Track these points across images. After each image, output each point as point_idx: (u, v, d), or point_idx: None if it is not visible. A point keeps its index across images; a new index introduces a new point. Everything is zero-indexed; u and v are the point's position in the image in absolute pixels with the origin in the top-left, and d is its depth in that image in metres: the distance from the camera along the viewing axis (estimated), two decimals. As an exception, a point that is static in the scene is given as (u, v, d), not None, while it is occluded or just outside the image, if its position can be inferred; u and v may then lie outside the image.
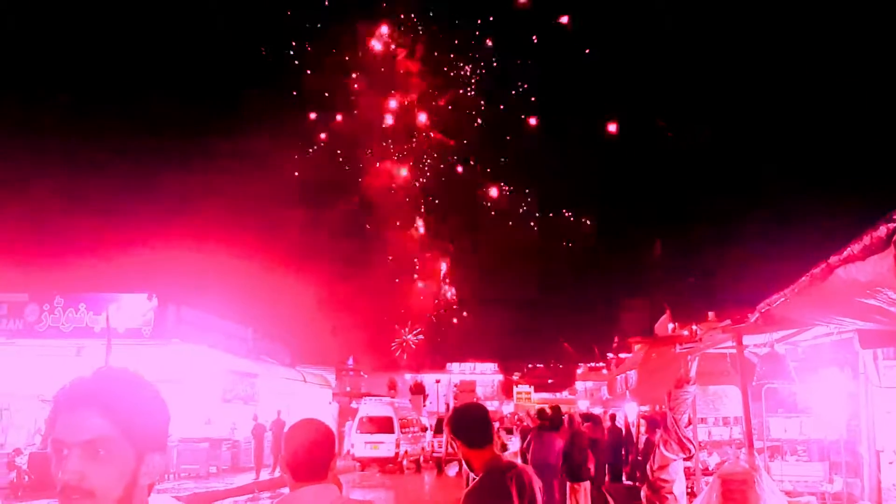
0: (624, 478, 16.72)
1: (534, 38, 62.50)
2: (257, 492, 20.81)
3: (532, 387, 70.12)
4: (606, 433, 16.80)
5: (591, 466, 12.93)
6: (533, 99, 64.69)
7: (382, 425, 27.36)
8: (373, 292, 61.48)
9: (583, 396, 59.73)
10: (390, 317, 65.93)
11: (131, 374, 1.59)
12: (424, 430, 32.56)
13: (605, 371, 52.27)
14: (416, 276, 65.98)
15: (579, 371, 68.16)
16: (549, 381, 72.23)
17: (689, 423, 8.45)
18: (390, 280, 63.93)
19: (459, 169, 63.83)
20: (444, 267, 70.05)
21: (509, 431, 34.75)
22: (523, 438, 14.94)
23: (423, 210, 64.23)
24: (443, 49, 61.69)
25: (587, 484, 12.20)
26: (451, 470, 26.23)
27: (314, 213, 57.17)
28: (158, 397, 1.60)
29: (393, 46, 59.38)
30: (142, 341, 21.78)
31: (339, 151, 60.35)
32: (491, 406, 63.57)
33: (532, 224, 72.89)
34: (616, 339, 47.65)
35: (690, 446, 7.95)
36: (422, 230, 64.33)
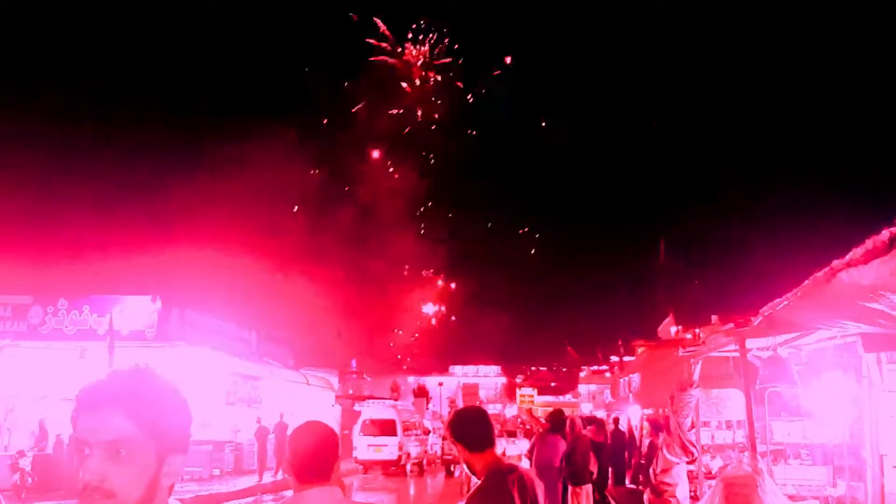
0: (627, 481, 16.69)
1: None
2: (260, 494, 20.84)
3: (535, 390, 69.99)
4: (610, 436, 16.78)
5: (594, 470, 12.92)
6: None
7: (385, 428, 27.38)
8: (376, 295, 61.48)
9: (586, 399, 59.63)
10: (392, 320, 65.93)
11: (155, 374, 1.58)
12: (427, 432, 32.56)
13: (608, 374, 52.19)
14: (418, 273, 65.99)
15: (582, 374, 68.07)
16: (553, 384, 72.14)
17: (692, 426, 8.46)
18: (393, 283, 63.92)
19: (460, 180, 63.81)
20: (444, 281, 70.15)
21: (512, 435, 34.68)
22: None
23: (423, 211, 64.26)
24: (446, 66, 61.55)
25: (589, 487, 12.17)
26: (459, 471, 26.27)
27: (318, 217, 57.22)
28: (181, 398, 1.60)
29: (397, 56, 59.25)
30: (145, 343, 21.81)
31: (341, 156, 60.35)
32: (494, 409, 63.61)
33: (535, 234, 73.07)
34: (620, 342, 47.58)
35: (693, 450, 7.96)
36: (423, 232, 64.35)
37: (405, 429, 28.22)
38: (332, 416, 31.06)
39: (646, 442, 14.89)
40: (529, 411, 27.88)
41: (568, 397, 64.25)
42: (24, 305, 22.85)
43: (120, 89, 55.05)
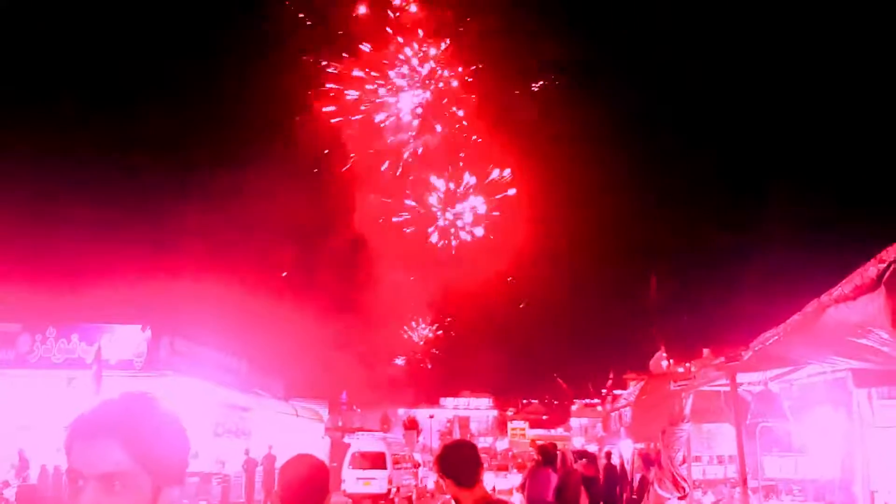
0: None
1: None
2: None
3: (527, 423, 69.61)
4: (602, 471, 16.64)
5: (585, 504, 12.80)
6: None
7: (375, 461, 27.10)
8: (367, 327, 61.27)
9: (578, 433, 59.30)
10: (383, 352, 65.65)
11: (154, 401, 1.54)
12: (418, 466, 32.24)
13: (599, 408, 51.98)
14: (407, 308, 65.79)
15: (574, 407, 67.77)
16: (544, 417, 71.76)
17: (684, 461, 8.41)
18: (384, 315, 63.72)
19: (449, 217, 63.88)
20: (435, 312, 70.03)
21: (503, 469, 34.41)
22: None
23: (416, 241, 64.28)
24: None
25: (581, 523, 12.05)
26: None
27: (309, 248, 57.20)
28: (180, 428, 1.55)
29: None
30: (134, 373, 21.62)
31: (333, 188, 60.42)
32: (485, 442, 63.11)
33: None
34: (611, 376, 47.45)
35: (685, 485, 7.91)
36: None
37: (395, 462, 27.92)
38: (321, 449, 30.74)
39: (637, 476, 14.77)
40: (533, 442, 27.60)
41: (560, 431, 63.91)
42: (13, 333, 22.66)
43: (113, 118, 55.24)
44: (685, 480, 8.09)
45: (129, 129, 55.32)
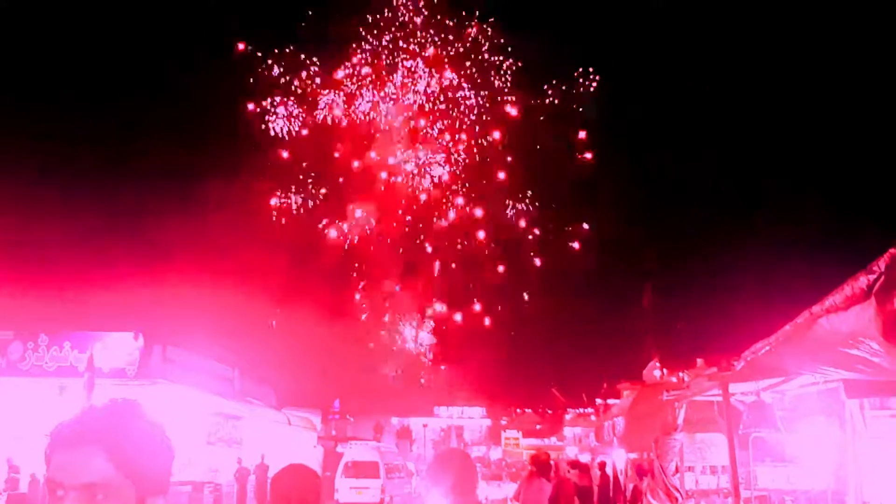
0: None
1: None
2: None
3: (520, 432, 69.44)
4: (596, 480, 16.65)
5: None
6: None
7: (368, 470, 27.03)
8: (360, 336, 61.16)
9: (571, 442, 59.23)
10: (376, 360, 65.56)
11: (137, 409, 1.49)
12: (411, 475, 32.14)
13: (593, 417, 51.93)
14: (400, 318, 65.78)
15: (568, 417, 67.67)
16: (538, 426, 71.62)
17: (677, 470, 8.41)
18: (377, 324, 63.65)
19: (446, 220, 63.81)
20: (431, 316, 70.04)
21: (497, 478, 34.27)
22: None
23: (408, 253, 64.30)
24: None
25: (574, 532, 12.07)
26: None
27: (302, 256, 57.13)
28: (164, 436, 1.50)
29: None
30: (126, 381, 21.54)
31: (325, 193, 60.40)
32: (478, 451, 62.96)
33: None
34: (605, 385, 47.47)
35: (677, 495, 7.90)
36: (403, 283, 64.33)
37: (388, 471, 27.85)
38: (314, 458, 30.63)
39: (630, 486, 14.77)
40: (538, 450, 27.53)
41: (553, 440, 63.80)
42: (5, 341, 22.56)
43: (104, 125, 55.22)
44: (678, 490, 8.08)
45: (121, 136, 55.36)
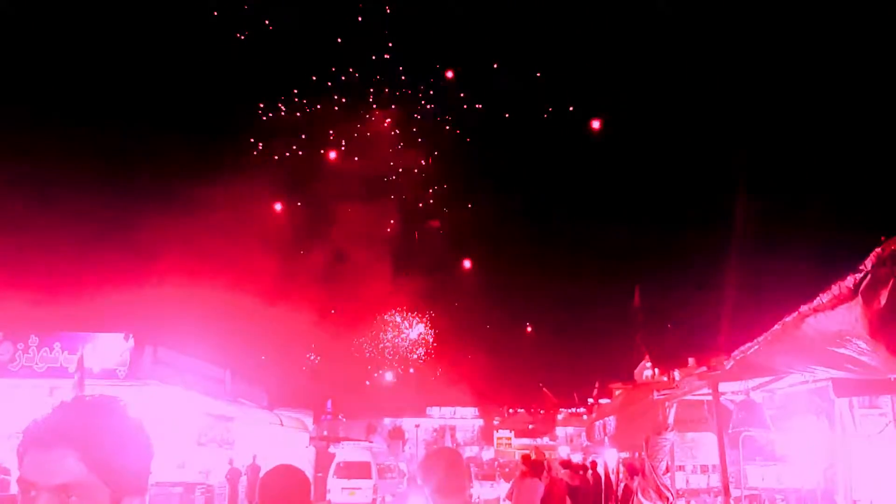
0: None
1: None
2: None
3: (513, 432, 69.54)
4: (587, 480, 16.69)
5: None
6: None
7: (360, 471, 27.01)
8: (351, 336, 61.13)
9: (563, 442, 59.36)
10: (368, 361, 65.52)
11: (114, 405, 1.44)
12: (403, 475, 32.13)
13: (585, 417, 52.02)
14: (392, 317, 65.72)
15: (560, 417, 67.79)
16: (530, 426, 71.70)
17: (668, 470, 8.44)
18: (369, 324, 63.61)
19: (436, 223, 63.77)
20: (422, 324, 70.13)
21: (489, 478, 34.28)
22: None
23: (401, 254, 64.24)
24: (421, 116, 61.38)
25: (566, 532, 12.10)
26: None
27: (293, 256, 57.05)
28: (142, 433, 1.45)
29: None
30: (117, 382, 21.44)
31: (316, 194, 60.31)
32: (471, 451, 62.99)
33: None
34: (597, 385, 47.51)
35: (668, 494, 7.92)
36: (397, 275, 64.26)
37: (380, 471, 27.84)
38: (306, 458, 30.57)
39: (621, 486, 14.80)
40: (537, 449, 27.48)
41: (545, 440, 63.89)
42: (-6, 342, 22.44)
43: (93, 126, 55.01)
44: (668, 489, 8.10)
45: (110, 139, 55.11)
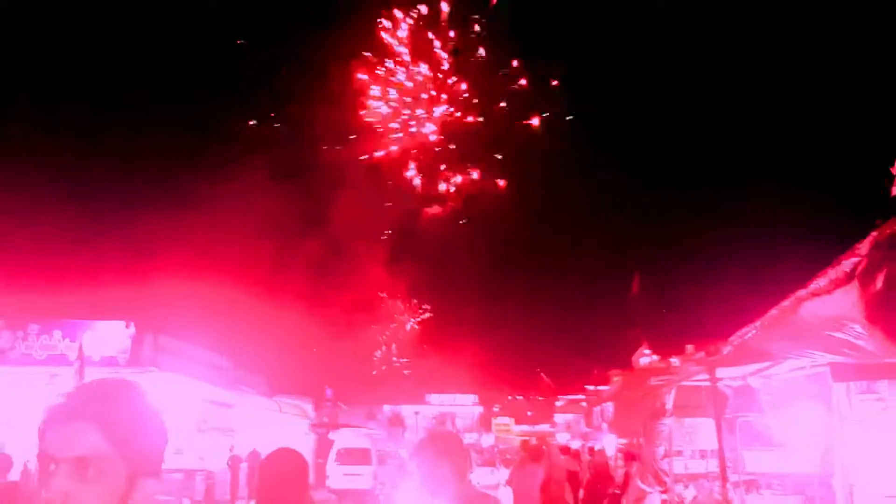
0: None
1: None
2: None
3: (512, 419, 69.79)
4: (586, 466, 16.78)
5: (569, 500, 12.90)
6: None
7: (360, 457, 27.11)
8: (351, 323, 61.23)
9: (562, 428, 59.58)
10: (369, 348, 65.64)
11: (136, 388, 1.48)
12: (403, 461, 32.26)
13: (584, 404, 52.20)
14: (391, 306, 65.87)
15: (559, 403, 68.01)
16: (529, 413, 71.97)
17: (666, 455, 8.48)
18: (369, 312, 63.70)
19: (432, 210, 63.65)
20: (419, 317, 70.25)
21: (490, 464, 34.41)
22: None
23: (391, 232, 64.11)
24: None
25: (564, 517, 12.15)
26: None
27: (293, 244, 57.04)
28: (159, 418, 1.49)
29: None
30: (117, 370, 21.48)
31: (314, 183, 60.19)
32: (470, 438, 63.23)
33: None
34: (595, 372, 47.67)
35: (666, 479, 7.97)
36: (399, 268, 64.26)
37: (380, 458, 27.95)
38: (306, 445, 30.69)
39: (620, 471, 14.87)
40: (540, 437, 27.60)
41: (545, 426, 64.13)
42: (-5, 330, 22.46)
43: (94, 113, 54.88)
44: (666, 475, 8.15)
45: (111, 127, 54.99)
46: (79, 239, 43.31)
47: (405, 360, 67.98)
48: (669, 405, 8.07)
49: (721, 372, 6.54)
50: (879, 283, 2.54)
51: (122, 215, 49.99)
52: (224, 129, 55.95)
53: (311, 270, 57.42)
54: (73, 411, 1.39)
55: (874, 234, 2.49)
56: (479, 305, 70.05)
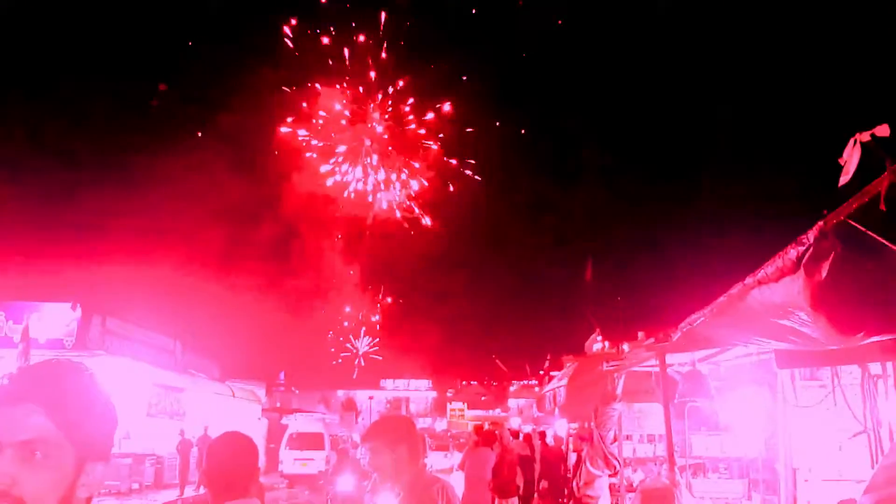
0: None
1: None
2: (181, 509, 20.28)
3: (465, 404, 70.25)
4: (538, 450, 16.97)
5: (521, 483, 13.06)
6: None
7: (313, 442, 27.01)
8: (305, 309, 60.86)
9: (515, 413, 60.14)
10: (322, 334, 65.32)
11: (83, 369, 1.44)
12: (356, 446, 32.26)
13: (537, 389, 52.72)
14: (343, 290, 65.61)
15: (512, 388, 68.66)
16: (483, 398, 72.51)
17: (615, 439, 8.61)
18: (322, 297, 63.38)
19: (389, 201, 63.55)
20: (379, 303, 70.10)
21: (443, 448, 34.63)
22: None
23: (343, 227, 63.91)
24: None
25: (515, 500, 12.32)
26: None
27: (246, 228, 56.41)
28: (108, 401, 1.46)
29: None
30: (63, 353, 21.03)
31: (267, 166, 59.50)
32: (424, 423, 63.50)
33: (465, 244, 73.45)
34: (549, 357, 48.15)
35: (616, 462, 8.09)
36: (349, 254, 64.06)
37: (333, 443, 27.88)
38: (258, 430, 30.46)
39: (572, 456, 15.07)
40: (494, 422, 27.81)
41: (498, 411, 64.69)
42: (-64, 312, 21.82)
43: (45, 95, 53.37)
44: (616, 458, 8.28)
45: (61, 109, 53.56)
46: (25, 219, 42.16)
47: (369, 347, 67.90)
48: (619, 390, 8.18)
49: (670, 358, 6.65)
50: (824, 272, 2.59)
51: (70, 196, 48.75)
52: (174, 112, 54.92)
53: (266, 255, 56.89)
54: (18, 394, 1.36)
55: (820, 223, 2.54)
56: (433, 293, 70.21)
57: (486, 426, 15.66)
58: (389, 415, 4.11)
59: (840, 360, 5.21)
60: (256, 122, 57.62)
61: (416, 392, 71.44)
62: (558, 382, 12.62)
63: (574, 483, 9.40)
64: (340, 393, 63.86)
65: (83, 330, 22.10)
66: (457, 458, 20.96)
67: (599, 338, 25.49)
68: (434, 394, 72.21)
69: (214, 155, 51.73)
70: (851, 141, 2.35)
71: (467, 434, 37.88)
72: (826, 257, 2.56)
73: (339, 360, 65.85)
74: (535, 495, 15.49)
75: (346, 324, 68.00)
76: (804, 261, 2.66)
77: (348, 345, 69.50)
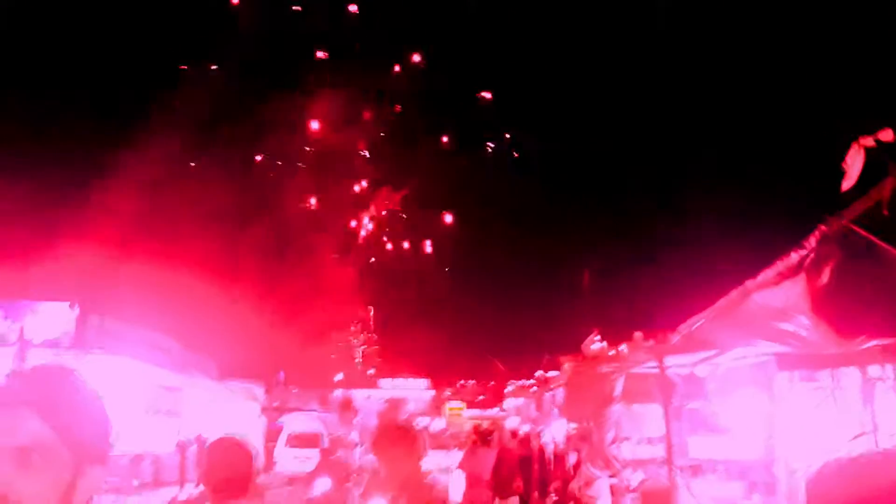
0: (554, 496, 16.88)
1: None
2: (179, 508, 20.27)
3: (464, 403, 70.22)
4: (537, 450, 17.00)
5: (520, 483, 13.09)
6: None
7: (311, 441, 26.99)
8: (304, 308, 60.84)
9: (513, 413, 60.10)
10: (321, 332, 65.36)
11: (75, 374, 1.46)
12: (354, 445, 32.25)
13: (534, 389, 52.71)
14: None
15: (510, 388, 68.64)
16: (481, 397, 72.52)
17: (614, 440, 8.62)
18: (320, 297, 63.40)
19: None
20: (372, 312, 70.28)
21: (443, 447, 34.60)
22: None
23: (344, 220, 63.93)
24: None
25: (515, 500, 12.35)
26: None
27: (247, 227, 56.36)
28: (100, 404, 1.47)
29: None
30: (60, 352, 20.98)
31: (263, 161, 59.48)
32: (422, 422, 63.53)
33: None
34: (546, 357, 48.15)
35: (615, 464, 8.10)
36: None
37: (332, 442, 27.88)
38: (256, 429, 30.42)
39: (571, 456, 15.08)
40: (493, 421, 27.89)
41: (496, 411, 64.68)
42: (-68, 310, 21.78)
43: (38, 89, 53.25)
44: (616, 459, 8.28)
45: (56, 104, 53.44)
46: (21, 216, 42.10)
47: (367, 345, 67.98)
48: (618, 392, 8.19)
49: (669, 360, 6.66)
50: (826, 277, 2.60)
51: (67, 193, 48.61)
52: (175, 101, 54.77)
53: (264, 254, 56.89)
54: (12, 399, 1.36)
55: (822, 227, 2.54)
56: (432, 294, 70.21)
57: (485, 425, 15.69)
58: (387, 419, 4.13)
59: (840, 363, 5.22)
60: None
61: (414, 391, 71.44)
62: (557, 383, 12.64)
63: (573, 484, 9.40)
64: (338, 392, 63.92)
65: (81, 329, 21.97)
66: (456, 456, 20.97)
67: (598, 339, 25.50)
68: (432, 393, 72.28)
69: (216, 155, 51.67)
70: (855, 145, 2.35)
71: (466, 433, 37.88)
72: (828, 262, 2.57)
73: (334, 356, 65.84)
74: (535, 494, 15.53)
75: (351, 327, 68.09)
76: (806, 265, 2.66)
77: (347, 343, 69.53)
